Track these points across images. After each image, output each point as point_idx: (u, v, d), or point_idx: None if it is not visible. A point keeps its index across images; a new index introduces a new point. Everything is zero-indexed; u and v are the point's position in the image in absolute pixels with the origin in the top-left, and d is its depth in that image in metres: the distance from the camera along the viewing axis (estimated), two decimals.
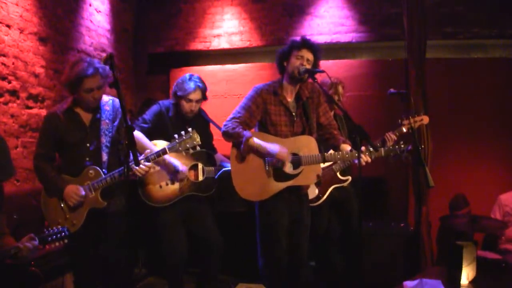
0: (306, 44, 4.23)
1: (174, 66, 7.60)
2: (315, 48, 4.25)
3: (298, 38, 4.28)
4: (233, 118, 4.21)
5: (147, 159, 4.03)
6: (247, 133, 4.11)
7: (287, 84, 4.31)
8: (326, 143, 4.39)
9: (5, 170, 3.39)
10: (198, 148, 4.10)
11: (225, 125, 4.21)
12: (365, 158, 4.12)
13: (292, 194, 4.27)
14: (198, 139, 4.05)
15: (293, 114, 4.28)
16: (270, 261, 4.24)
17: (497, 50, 6.69)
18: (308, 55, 4.20)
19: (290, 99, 4.32)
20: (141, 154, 4.28)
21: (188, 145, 4.03)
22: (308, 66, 4.17)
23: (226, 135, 4.20)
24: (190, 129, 4.06)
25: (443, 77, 6.58)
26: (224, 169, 4.81)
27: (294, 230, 4.30)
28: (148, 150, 4.10)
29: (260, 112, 4.25)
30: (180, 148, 4.02)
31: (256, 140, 4.12)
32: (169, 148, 4.03)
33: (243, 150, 4.14)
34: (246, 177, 4.21)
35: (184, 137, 4.02)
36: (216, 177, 4.80)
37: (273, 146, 4.08)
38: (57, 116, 4.03)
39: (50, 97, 5.51)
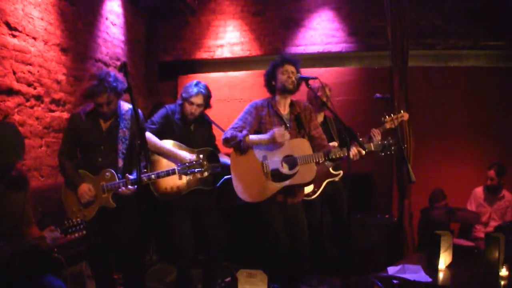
0: (286, 59, 4.31)
1: (182, 73, 7.64)
2: (294, 60, 4.31)
3: (278, 59, 4.34)
4: (231, 128, 4.26)
5: (157, 176, 4.09)
6: (242, 133, 4.14)
7: (280, 99, 4.33)
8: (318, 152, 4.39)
9: (13, 152, 3.33)
10: (205, 174, 4.21)
11: (225, 134, 4.27)
12: (355, 150, 4.16)
13: (288, 197, 4.26)
14: (207, 165, 4.12)
15: (287, 125, 4.29)
16: (272, 251, 4.21)
17: (471, 60, 6.76)
18: (290, 68, 4.25)
19: (284, 111, 4.34)
20: (152, 152, 4.35)
21: (196, 170, 4.09)
22: (294, 77, 4.22)
23: (226, 141, 4.23)
24: (201, 156, 4.13)
25: (423, 84, 6.63)
26: (225, 177, 4.83)
27: (294, 232, 4.26)
28: (159, 171, 4.13)
29: (256, 122, 4.27)
30: (188, 172, 4.09)
31: (252, 136, 4.16)
32: (178, 170, 4.10)
33: (243, 147, 4.16)
34: (246, 181, 4.21)
35: (194, 162, 4.08)
36: (218, 185, 4.83)
37: (269, 133, 4.12)
38: (79, 117, 4.08)
39: (70, 102, 5.54)
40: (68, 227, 3.43)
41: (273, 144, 4.13)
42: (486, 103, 6.67)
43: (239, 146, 4.18)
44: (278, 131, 4.08)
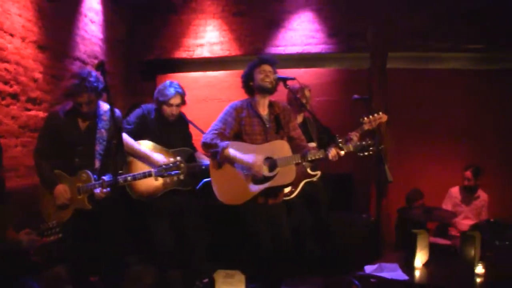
0: (263, 60, 4.30)
1: (161, 72, 7.57)
2: (271, 60, 4.31)
3: (255, 59, 4.33)
4: (211, 130, 4.20)
5: (133, 178, 4.03)
6: (223, 143, 4.08)
7: (259, 99, 4.30)
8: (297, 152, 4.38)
9: None
10: (181, 177, 4.13)
11: (204, 137, 4.21)
12: (334, 152, 4.15)
13: (269, 199, 4.24)
14: (184, 168, 4.08)
15: (267, 125, 4.27)
16: (254, 252, 4.18)
17: (450, 62, 6.84)
18: (267, 68, 4.23)
19: (263, 112, 4.31)
20: (128, 154, 4.33)
21: (173, 173, 4.04)
22: (272, 77, 4.22)
23: (205, 145, 4.18)
24: (178, 158, 4.09)
25: (402, 85, 6.67)
26: (205, 180, 4.81)
27: (276, 232, 4.23)
28: (136, 173, 4.08)
29: (236, 124, 4.23)
30: (165, 174, 4.04)
31: (231, 152, 4.08)
32: (155, 172, 4.05)
33: (219, 159, 4.11)
34: (226, 183, 4.17)
35: (171, 165, 4.04)
36: (197, 188, 4.81)
37: (248, 159, 4.06)
38: (57, 115, 4.02)
39: (47, 100, 5.45)
40: (44, 230, 3.38)
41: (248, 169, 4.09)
42: (464, 105, 6.76)
43: (215, 157, 4.14)
44: (258, 164, 4.04)
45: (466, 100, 6.77)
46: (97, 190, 3.87)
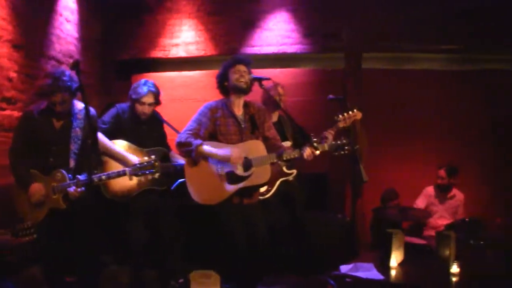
0: (237, 60, 4.32)
1: (136, 72, 7.50)
2: (246, 60, 4.33)
3: (229, 60, 4.35)
4: (185, 130, 4.21)
5: (108, 176, 4.02)
6: (197, 141, 4.09)
7: (234, 99, 4.31)
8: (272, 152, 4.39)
9: None
10: (156, 176, 4.15)
11: (178, 137, 4.22)
12: (309, 151, 4.17)
13: (244, 198, 4.25)
14: (158, 167, 4.07)
15: (242, 126, 4.28)
16: (229, 252, 4.19)
17: (423, 63, 6.91)
18: (242, 68, 4.25)
19: (238, 112, 4.32)
20: (102, 153, 4.29)
21: (147, 172, 4.03)
22: (247, 77, 4.23)
23: (179, 145, 4.18)
24: (153, 157, 4.07)
25: (377, 85, 6.73)
26: (180, 180, 4.79)
27: (251, 232, 4.24)
28: (110, 172, 4.07)
29: (211, 124, 4.23)
30: (139, 173, 4.03)
31: (206, 148, 4.09)
32: (129, 171, 4.03)
33: (194, 157, 4.11)
34: (201, 183, 4.18)
35: (145, 164, 4.02)
36: (172, 188, 4.80)
37: (225, 151, 4.08)
38: (32, 114, 4.00)
39: (22, 100, 5.37)
40: (19, 230, 3.36)
41: (226, 162, 4.10)
42: (438, 105, 6.85)
43: (190, 155, 4.14)
44: (234, 157, 4.05)
45: (440, 100, 6.87)
46: (72, 189, 3.84)
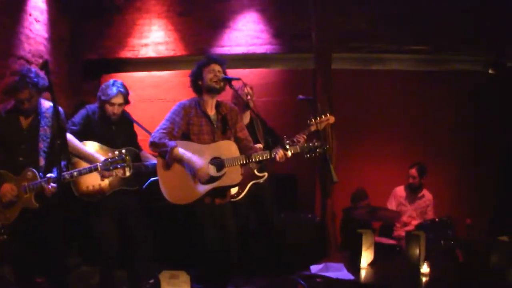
0: (212, 59, 4.32)
1: (106, 72, 7.39)
2: (221, 60, 4.32)
3: (204, 59, 4.34)
4: (159, 129, 4.18)
5: (80, 173, 3.97)
6: (172, 143, 4.06)
7: (207, 99, 4.29)
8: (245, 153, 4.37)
9: None
10: (128, 173, 4.16)
11: (152, 136, 4.18)
12: (281, 153, 4.15)
13: (216, 199, 4.23)
14: (129, 161, 4.02)
15: (214, 125, 4.26)
16: (200, 252, 4.18)
17: (394, 63, 6.94)
18: (216, 67, 4.24)
19: (211, 112, 4.30)
20: (72, 155, 4.20)
21: (119, 165, 3.98)
22: (220, 76, 4.21)
23: (153, 145, 4.15)
24: (123, 151, 4.01)
25: (347, 86, 6.74)
26: (152, 179, 4.73)
27: (222, 233, 4.23)
28: (81, 168, 4.02)
29: (184, 123, 4.20)
30: (111, 168, 3.97)
31: (180, 151, 4.06)
32: (100, 165, 3.97)
33: (168, 158, 4.08)
34: (173, 182, 4.14)
35: (116, 158, 3.96)
36: (144, 187, 4.74)
37: (195, 162, 4.06)
38: None
39: None
40: None
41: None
42: (408, 105, 6.91)
43: (164, 156, 4.10)
44: (201, 173, 4.05)
45: (409, 100, 6.92)
46: (50, 186, 3.81)
